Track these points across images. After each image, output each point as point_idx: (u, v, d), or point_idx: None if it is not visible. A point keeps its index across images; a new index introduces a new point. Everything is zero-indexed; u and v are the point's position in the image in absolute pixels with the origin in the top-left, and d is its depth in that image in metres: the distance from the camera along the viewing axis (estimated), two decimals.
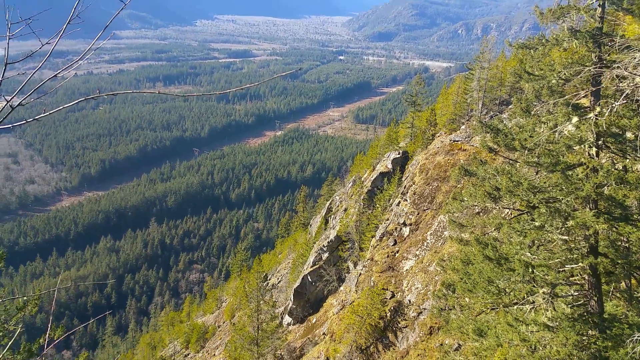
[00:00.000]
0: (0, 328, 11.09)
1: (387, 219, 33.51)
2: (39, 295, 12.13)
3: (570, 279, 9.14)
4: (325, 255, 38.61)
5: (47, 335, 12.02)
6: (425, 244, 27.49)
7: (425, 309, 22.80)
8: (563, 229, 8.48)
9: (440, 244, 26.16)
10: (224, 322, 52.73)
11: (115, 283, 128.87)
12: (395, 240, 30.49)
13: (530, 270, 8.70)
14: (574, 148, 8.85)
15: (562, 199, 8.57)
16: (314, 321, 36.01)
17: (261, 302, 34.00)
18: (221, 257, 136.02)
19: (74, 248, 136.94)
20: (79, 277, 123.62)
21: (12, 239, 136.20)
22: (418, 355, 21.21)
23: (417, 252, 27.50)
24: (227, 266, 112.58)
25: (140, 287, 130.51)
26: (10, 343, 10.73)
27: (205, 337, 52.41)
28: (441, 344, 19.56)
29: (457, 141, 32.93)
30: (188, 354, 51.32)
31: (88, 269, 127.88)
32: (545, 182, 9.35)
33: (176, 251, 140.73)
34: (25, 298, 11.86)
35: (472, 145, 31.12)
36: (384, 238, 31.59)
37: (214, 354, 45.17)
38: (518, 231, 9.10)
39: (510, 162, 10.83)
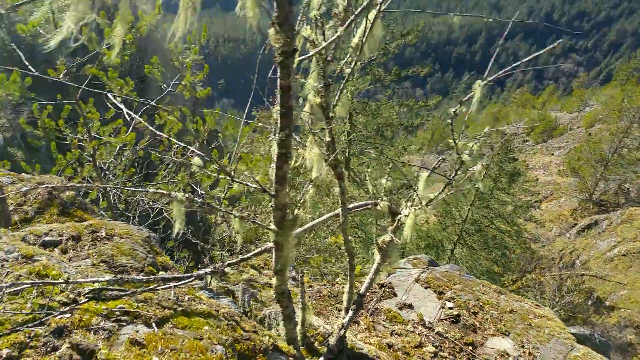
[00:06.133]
0: None
1: None
2: None
3: None
4: None
5: None
6: None
7: None
8: None
9: None
10: (577, 127, 49.88)
11: None
12: None
13: None
14: None
15: None
16: None
17: (634, 124, 30.43)
18: (610, 55, 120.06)
19: None
20: None
21: None
22: None
23: None
24: (612, 68, 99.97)
25: None
26: None
27: (552, 133, 51.62)
28: None
29: None
30: (526, 141, 52.50)
31: None
32: None
33: None
34: None
35: None
36: None
37: (552, 154, 44.70)
38: None
39: None
